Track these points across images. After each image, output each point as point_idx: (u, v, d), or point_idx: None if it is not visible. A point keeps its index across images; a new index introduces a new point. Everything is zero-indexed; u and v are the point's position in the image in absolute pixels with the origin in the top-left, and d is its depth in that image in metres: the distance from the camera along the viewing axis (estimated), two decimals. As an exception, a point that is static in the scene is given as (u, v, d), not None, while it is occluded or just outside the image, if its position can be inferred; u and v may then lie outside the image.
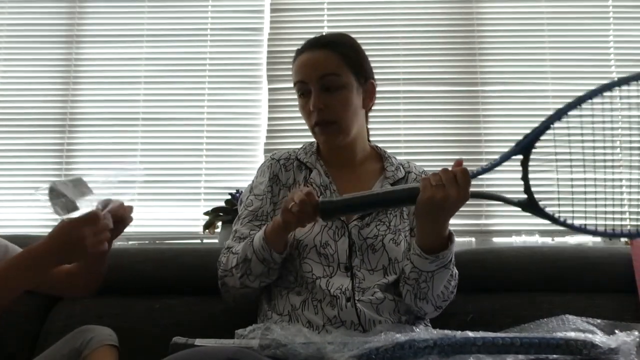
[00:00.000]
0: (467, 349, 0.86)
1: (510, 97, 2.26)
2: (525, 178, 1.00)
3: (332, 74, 1.20)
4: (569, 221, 1.00)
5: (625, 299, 1.49)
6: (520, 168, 1.00)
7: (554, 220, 1.00)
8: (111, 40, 2.37)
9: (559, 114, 0.99)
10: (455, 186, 0.97)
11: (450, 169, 1.00)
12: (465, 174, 0.98)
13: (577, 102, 0.99)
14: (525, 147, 0.99)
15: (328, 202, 1.04)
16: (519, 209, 1.01)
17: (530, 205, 1.00)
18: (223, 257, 1.22)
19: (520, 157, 1.00)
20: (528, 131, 1.00)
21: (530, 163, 0.99)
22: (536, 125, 0.99)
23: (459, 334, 0.88)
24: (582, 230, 1.00)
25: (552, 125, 0.99)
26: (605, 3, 2.32)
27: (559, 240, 2.08)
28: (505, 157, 1.00)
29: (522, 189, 1.01)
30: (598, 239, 2.02)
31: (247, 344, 0.92)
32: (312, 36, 2.43)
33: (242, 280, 1.15)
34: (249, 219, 1.24)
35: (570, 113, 0.99)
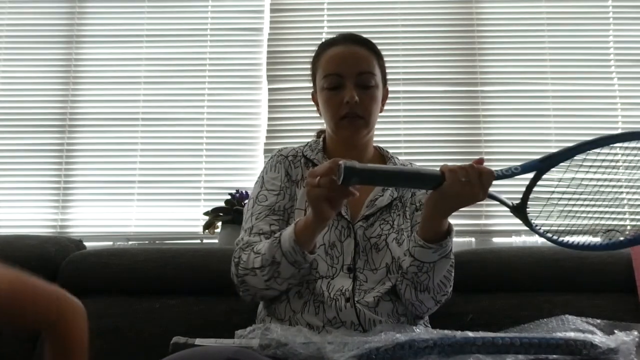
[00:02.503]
0: (467, 349, 0.85)
1: (510, 97, 2.26)
2: (529, 188, 1.03)
3: (369, 72, 1.22)
4: (548, 235, 1.05)
5: (625, 299, 1.49)
6: (530, 176, 1.03)
7: (534, 230, 1.05)
8: (111, 40, 2.37)
9: (592, 146, 1.01)
10: (480, 187, 0.98)
11: (475, 165, 0.99)
12: (492, 177, 0.99)
13: (612, 141, 1.01)
14: (546, 166, 1.01)
15: (350, 166, 0.95)
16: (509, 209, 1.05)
17: (519, 211, 1.04)
18: (243, 254, 1.16)
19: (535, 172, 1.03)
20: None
21: (540, 180, 1.02)
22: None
23: (459, 334, 0.88)
24: (557, 242, 1.05)
25: (579, 156, 1.01)
26: (605, 3, 2.32)
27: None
28: (528, 169, 1.02)
29: (518, 194, 1.04)
30: (598, 239, 2.02)
31: (248, 343, 0.92)
32: (312, 36, 2.44)
33: (269, 283, 1.11)
34: (265, 214, 1.21)
35: (601, 150, 1.01)
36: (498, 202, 1.05)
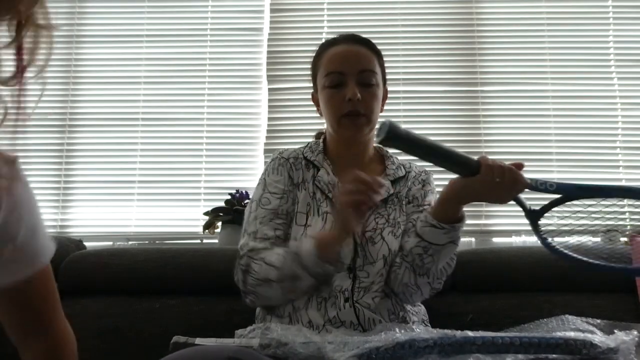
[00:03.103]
0: (467, 349, 0.85)
1: (510, 97, 2.26)
2: (552, 204, 1.03)
3: (371, 70, 1.23)
4: (558, 248, 1.05)
5: (625, 299, 1.49)
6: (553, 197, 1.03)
7: (543, 241, 1.05)
8: (111, 40, 2.37)
9: (628, 194, 1.02)
10: (510, 193, 1.00)
11: (514, 169, 1.00)
12: (524, 188, 1.00)
13: None
14: (578, 195, 1.02)
15: (397, 126, 0.95)
16: (522, 211, 1.05)
17: (533, 217, 1.04)
18: (253, 263, 1.13)
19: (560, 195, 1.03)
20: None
21: (563, 205, 1.03)
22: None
23: (459, 333, 0.88)
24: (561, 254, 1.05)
25: (614, 196, 1.02)
26: (605, 3, 2.32)
27: (558, 240, 2.08)
28: (563, 191, 1.02)
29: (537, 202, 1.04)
30: (598, 239, 2.02)
31: (248, 343, 0.92)
32: (312, 36, 2.43)
33: (288, 296, 1.13)
34: (269, 218, 1.20)
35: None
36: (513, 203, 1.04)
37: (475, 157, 1.01)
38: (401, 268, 1.13)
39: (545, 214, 1.03)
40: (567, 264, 1.04)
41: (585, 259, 1.04)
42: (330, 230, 1.07)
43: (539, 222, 1.04)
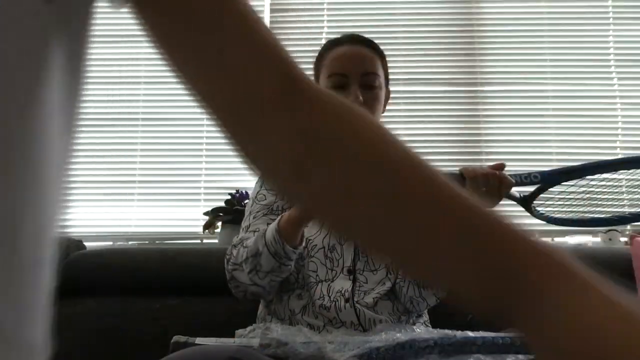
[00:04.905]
0: (468, 349, 0.86)
1: (510, 97, 2.26)
2: (541, 189, 1.07)
3: (374, 73, 1.22)
4: (554, 216, 1.11)
5: (625, 299, 1.49)
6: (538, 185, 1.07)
7: (539, 216, 1.10)
8: (111, 40, 2.37)
9: (607, 169, 1.05)
10: (497, 196, 1.02)
11: (497, 173, 1.02)
12: (510, 188, 1.02)
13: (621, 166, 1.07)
14: (565, 180, 1.07)
15: None
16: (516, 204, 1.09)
17: (525, 202, 1.08)
18: (234, 250, 1.15)
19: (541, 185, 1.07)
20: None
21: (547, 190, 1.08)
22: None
23: (459, 333, 0.89)
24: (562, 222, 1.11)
25: (596, 173, 1.07)
26: (605, 3, 2.32)
27: (558, 240, 2.08)
28: (548, 179, 1.05)
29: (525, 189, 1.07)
30: (598, 239, 2.02)
31: (248, 343, 0.92)
32: (312, 36, 2.43)
33: (251, 276, 1.09)
34: (263, 213, 1.21)
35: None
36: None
37: (457, 170, 1.03)
38: (405, 283, 1.14)
39: (536, 199, 1.08)
40: (570, 226, 1.11)
41: (586, 216, 1.10)
42: (292, 213, 1.05)
43: (532, 203, 1.07)
